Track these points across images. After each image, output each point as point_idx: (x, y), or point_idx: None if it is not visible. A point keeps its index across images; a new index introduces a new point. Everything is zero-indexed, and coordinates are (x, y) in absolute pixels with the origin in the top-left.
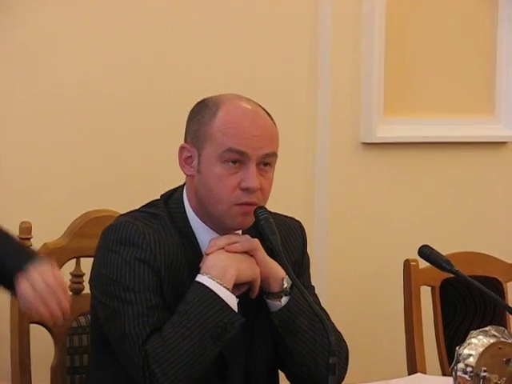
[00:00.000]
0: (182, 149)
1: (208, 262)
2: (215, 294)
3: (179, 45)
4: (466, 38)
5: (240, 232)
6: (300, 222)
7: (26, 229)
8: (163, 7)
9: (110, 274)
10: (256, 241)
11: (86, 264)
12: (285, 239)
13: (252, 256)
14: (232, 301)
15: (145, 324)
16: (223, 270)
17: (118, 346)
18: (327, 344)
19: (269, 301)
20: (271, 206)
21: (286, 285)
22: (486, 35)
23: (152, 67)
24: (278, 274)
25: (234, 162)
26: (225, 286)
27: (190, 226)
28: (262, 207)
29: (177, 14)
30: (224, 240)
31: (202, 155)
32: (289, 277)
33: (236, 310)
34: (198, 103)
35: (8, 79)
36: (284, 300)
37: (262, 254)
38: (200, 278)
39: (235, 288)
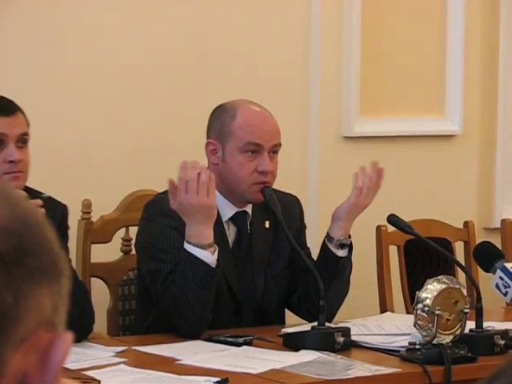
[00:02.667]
0: (208, 144)
1: (187, 232)
2: (194, 256)
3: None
4: (421, 51)
5: (250, 206)
6: (297, 197)
7: (87, 205)
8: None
9: (148, 238)
10: None
11: (134, 231)
12: (286, 211)
13: None
14: (209, 258)
15: (172, 281)
16: (200, 232)
17: (155, 298)
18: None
19: None
20: (276, 184)
21: (346, 241)
22: (436, 49)
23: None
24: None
25: (252, 152)
26: (203, 247)
27: None
28: (268, 187)
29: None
30: None
31: (226, 148)
32: (288, 240)
33: (214, 263)
34: (217, 108)
35: (71, 68)
36: (345, 252)
37: None
38: (185, 245)
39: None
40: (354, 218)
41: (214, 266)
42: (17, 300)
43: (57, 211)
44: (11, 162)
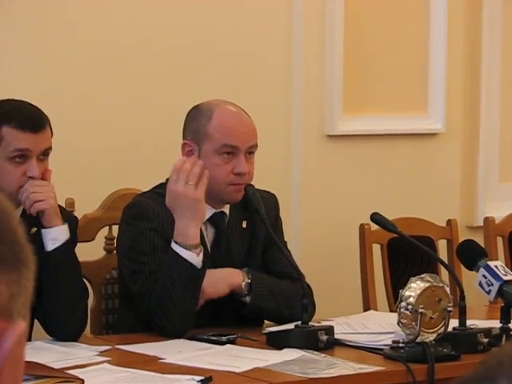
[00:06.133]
0: (184, 145)
1: (175, 230)
2: (180, 256)
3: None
4: (404, 49)
5: (228, 206)
6: (274, 195)
7: (71, 203)
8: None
9: (129, 241)
10: None
11: (117, 230)
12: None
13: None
14: (195, 259)
15: (154, 281)
16: (186, 231)
17: (136, 299)
18: (291, 300)
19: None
20: (259, 182)
21: (244, 290)
22: (419, 48)
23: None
24: (237, 284)
25: (228, 153)
26: (189, 248)
27: None
28: (251, 185)
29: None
30: None
31: (202, 149)
32: (270, 236)
33: (199, 264)
34: (193, 109)
35: (52, 61)
36: (248, 298)
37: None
38: (172, 245)
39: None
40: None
41: (199, 268)
42: None
43: (64, 222)
44: (31, 177)
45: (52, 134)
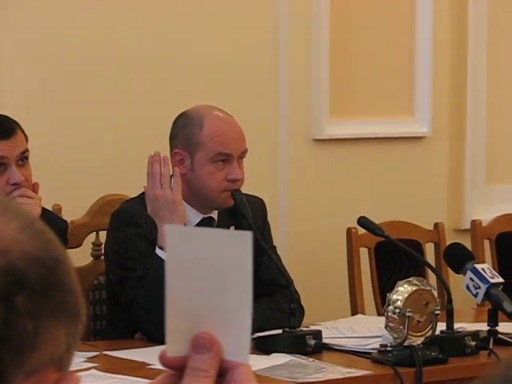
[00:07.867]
0: (175, 154)
1: (158, 235)
2: (163, 261)
3: (168, 60)
4: (389, 52)
5: (216, 212)
6: (262, 200)
7: (58, 210)
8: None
9: (116, 247)
10: None
11: (104, 236)
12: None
13: None
14: None
15: (142, 287)
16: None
17: (124, 306)
18: (269, 314)
19: None
20: (247, 186)
21: None
22: (405, 52)
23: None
24: None
25: (221, 161)
26: None
27: None
28: (238, 190)
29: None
30: None
31: (195, 158)
32: (258, 242)
33: None
34: (181, 116)
35: (38, 70)
36: None
37: None
38: (156, 250)
39: None
40: None
41: None
42: (36, 330)
43: (54, 226)
44: (14, 184)
45: (27, 138)
